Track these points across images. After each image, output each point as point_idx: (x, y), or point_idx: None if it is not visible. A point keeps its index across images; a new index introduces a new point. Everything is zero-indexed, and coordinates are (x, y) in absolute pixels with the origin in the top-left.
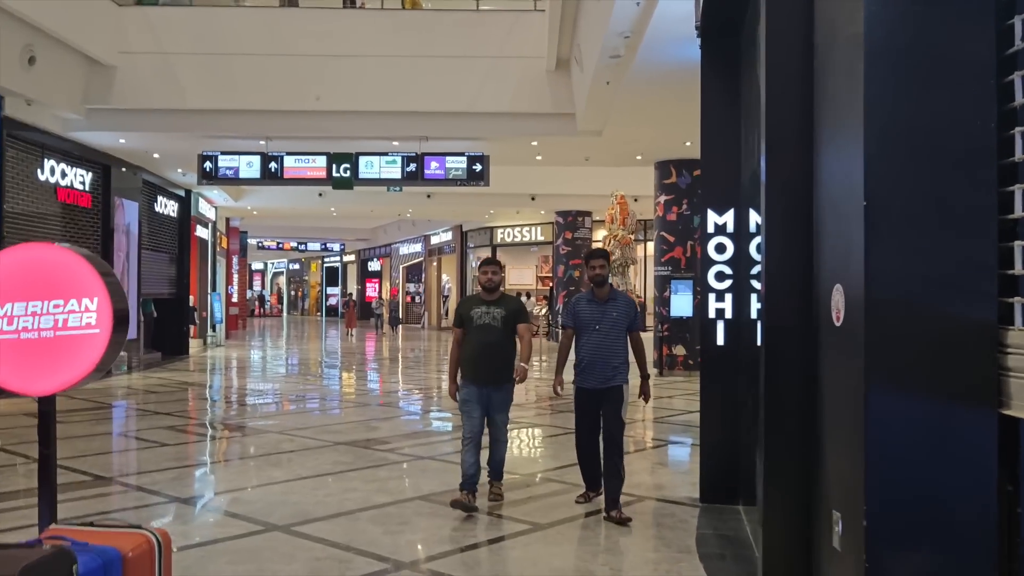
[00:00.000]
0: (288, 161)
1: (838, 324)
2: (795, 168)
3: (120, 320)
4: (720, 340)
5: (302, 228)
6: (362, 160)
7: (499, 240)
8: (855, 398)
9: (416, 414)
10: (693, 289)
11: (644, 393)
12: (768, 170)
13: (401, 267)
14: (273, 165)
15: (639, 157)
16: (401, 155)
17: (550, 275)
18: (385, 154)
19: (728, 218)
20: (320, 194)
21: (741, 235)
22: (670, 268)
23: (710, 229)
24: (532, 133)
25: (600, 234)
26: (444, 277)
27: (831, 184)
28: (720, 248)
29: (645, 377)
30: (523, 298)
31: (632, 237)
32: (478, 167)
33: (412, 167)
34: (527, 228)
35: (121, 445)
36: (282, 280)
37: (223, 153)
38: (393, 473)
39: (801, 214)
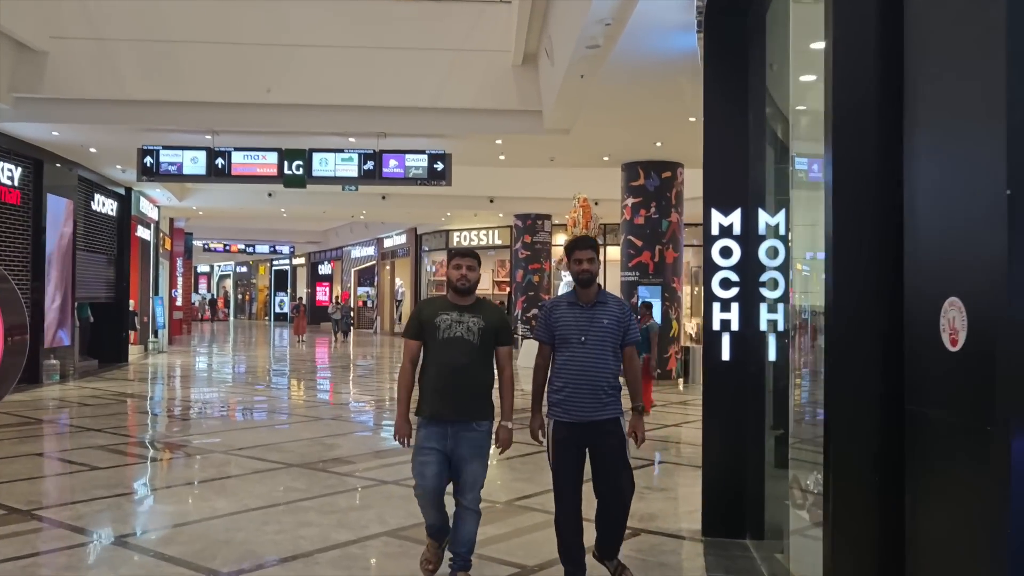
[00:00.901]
0: (236, 157)
1: (955, 349)
2: (872, 153)
3: (15, 336)
4: (726, 355)
5: (250, 230)
6: (316, 157)
7: (455, 243)
8: (987, 444)
9: (374, 429)
10: (661, 295)
11: (634, 431)
12: (835, 157)
13: (353, 271)
14: (220, 161)
15: (606, 158)
16: (358, 152)
17: (507, 279)
18: (341, 151)
19: (735, 219)
20: (270, 194)
21: (749, 238)
22: (637, 274)
23: (714, 231)
24: (496, 131)
25: (560, 238)
26: (398, 281)
27: (936, 170)
28: (725, 252)
29: (638, 410)
30: None
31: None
32: (439, 166)
33: (369, 165)
34: (484, 231)
35: (45, 469)
36: (229, 283)
37: (165, 148)
38: (353, 502)
39: (882, 210)
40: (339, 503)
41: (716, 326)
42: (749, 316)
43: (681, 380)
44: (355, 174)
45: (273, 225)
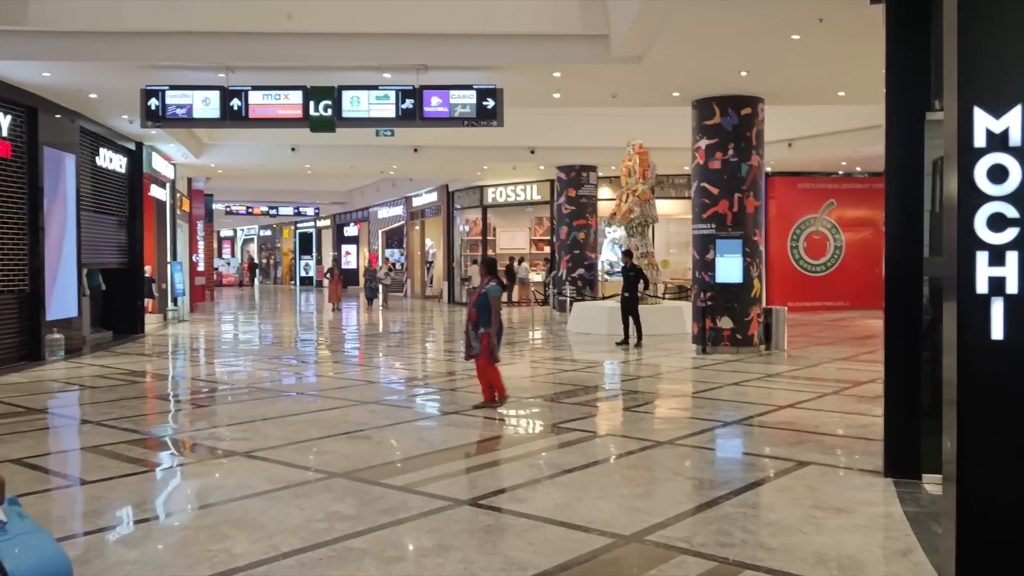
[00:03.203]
0: (254, 97)
1: None
2: None
3: None
4: (998, 331)
5: (273, 191)
6: (346, 95)
7: (490, 200)
8: None
9: (433, 418)
10: (743, 250)
11: None
12: None
13: (380, 232)
14: (236, 102)
15: (677, 94)
16: (395, 89)
17: (546, 237)
18: (375, 88)
19: (1012, 121)
20: (293, 148)
21: None
22: (714, 225)
23: (977, 141)
24: (555, 60)
25: (606, 191)
26: (428, 242)
27: None
28: (997, 174)
29: None
30: (515, 264)
31: (652, 193)
32: (489, 103)
33: (408, 104)
34: (521, 187)
35: (15, 484)
36: (253, 247)
37: (172, 88)
38: (422, 539)
39: None
40: (403, 540)
41: (982, 287)
42: None
43: (763, 346)
44: (392, 115)
45: (297, 185)
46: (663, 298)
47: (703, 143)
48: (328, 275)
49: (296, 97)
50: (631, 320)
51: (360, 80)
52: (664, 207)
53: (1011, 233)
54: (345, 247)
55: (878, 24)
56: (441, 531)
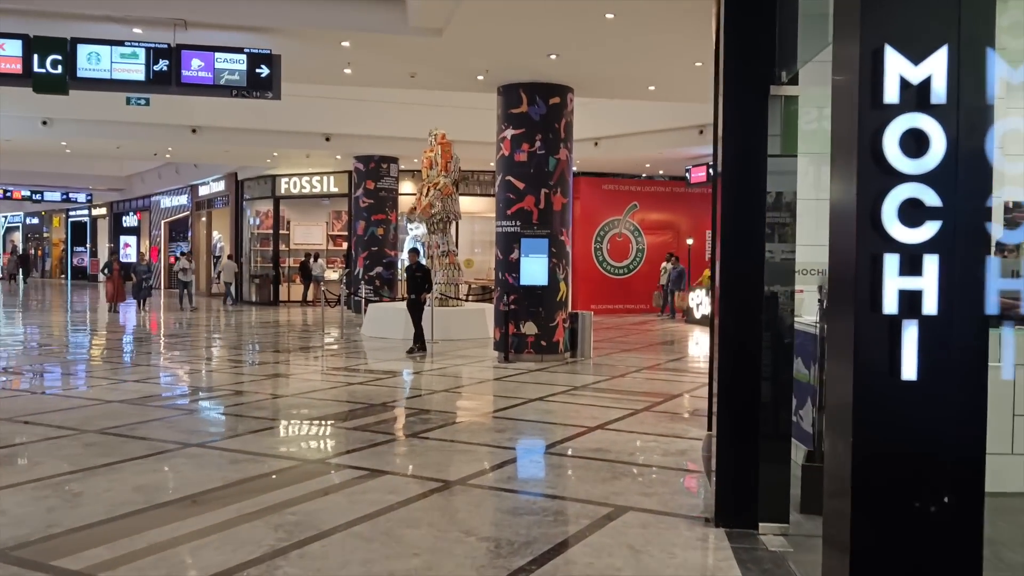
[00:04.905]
0: None
1: None
2: None
3: None
4: (910, 370)
5: (36, 173)
6: (83, 50)
7: (283, 191)
8: None
9: (169, 453)
10: (549, 250)
11: None
12: None
13: (163, 223)
14: None
15: (481, 77)
16: (145, 47)
17: (344, 233)
18: (120, 44)
19: (936, 67)
20: (44, 122)
21: (964, 112)
22: (519, 223)
23: (890, 97)
24: (343, 26)
25: (407, 186)
26: (216, 235)
27: None
28: (912, 143)
29: None
30: (311, 261)
31: (455, 187)
32: (263, 71)
33: (162, 65)
34: (317, 177)
35: None
36: (17, 236)
37: None
38: None
39: None
40: None
41: (890, 305)
42: (963, 284)
43: (568, 354)
44: (141, 77)
45: (64, 167)
46: (465, 300)
47: (509, 133)
48: (105, 270)
49: (14, 48)
50: (416, 324)
51: (101, 33)
52: (468, 204)
53: (931, 228)
54: (124, 239)
55: (697, 9)
56: None
